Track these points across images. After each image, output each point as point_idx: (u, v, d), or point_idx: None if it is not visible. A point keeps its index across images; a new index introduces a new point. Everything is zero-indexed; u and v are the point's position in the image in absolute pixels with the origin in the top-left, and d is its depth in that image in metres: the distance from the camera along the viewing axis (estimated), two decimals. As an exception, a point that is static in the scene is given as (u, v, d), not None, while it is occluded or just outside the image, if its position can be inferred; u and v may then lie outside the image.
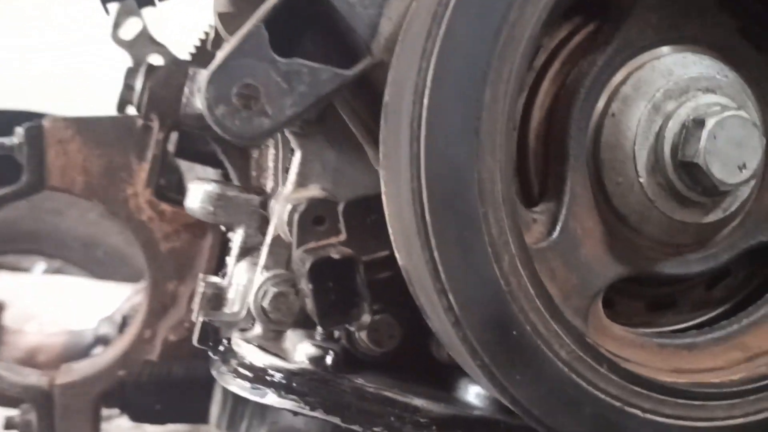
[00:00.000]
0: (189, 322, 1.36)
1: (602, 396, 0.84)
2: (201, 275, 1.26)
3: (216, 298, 1.20)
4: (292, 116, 0.86)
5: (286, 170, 1.08)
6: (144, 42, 1.38)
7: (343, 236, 0.96)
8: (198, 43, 1.42)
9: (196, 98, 1.30)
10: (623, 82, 0.91)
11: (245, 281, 1.17)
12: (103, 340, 1.78)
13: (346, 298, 0.89)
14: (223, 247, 1.41)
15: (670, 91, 0.90)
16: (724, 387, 0.90)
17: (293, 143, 1.06)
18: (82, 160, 1.34)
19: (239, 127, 0.85)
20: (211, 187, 1.21)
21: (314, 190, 1.06)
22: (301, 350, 1.00)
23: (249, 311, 1.07)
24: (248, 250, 1.22)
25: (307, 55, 0.87)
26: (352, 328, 0.88)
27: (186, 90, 1.33)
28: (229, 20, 0.97)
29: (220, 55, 0.85)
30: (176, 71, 1.35)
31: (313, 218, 0.96)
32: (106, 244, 2.25)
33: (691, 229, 0.93)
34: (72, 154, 1.34)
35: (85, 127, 1.35)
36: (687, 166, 0.88)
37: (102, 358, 1.44)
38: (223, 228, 1.39)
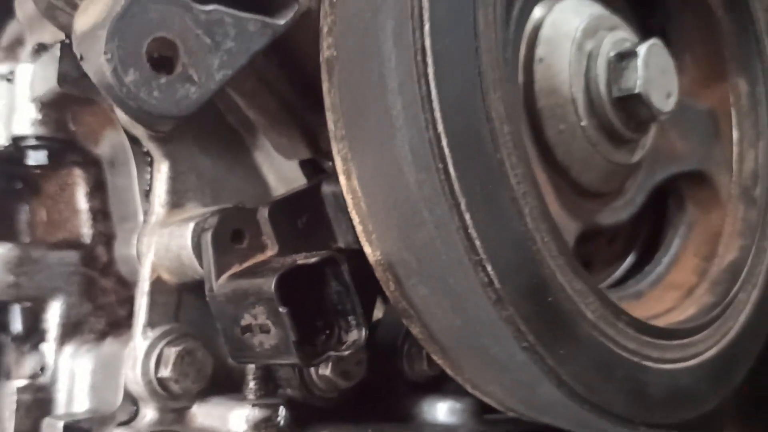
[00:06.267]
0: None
1: (625, 354, 0.75)
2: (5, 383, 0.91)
3: (41, 404, 0.86)
4: (223, 81, 0.63)
5: (147, 193, 0.81)
6: None
7: (273, 250, 0.73)
8: None
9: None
10: (539, 25, 0.85)
11: (90, 366, 0.86)
12: None
13: (327, 316, 0.67)
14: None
15: (587, 29, 0.86)
16: (691, 322, 0.88)
17: (156, 153, 0.80)
18: None
19: (160, 99, 0.60)
20: (5, 250, 0.87)
21: (194, 209, 0.81)
22: (237, 417, 0.73)
23: (129, 395, 0.77)
24: (75, 327, 0.90)
25: (222, 1, 0.65)
26: (343, 353, 0.66)
27: None
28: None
29: (109, 3, 0.59)
30: None
31: (230, 234, 0.72)
32: None
33: (620, 173, 0.90)
34: None
35: None
36: (623, 100, 0.84)
37: None
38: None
